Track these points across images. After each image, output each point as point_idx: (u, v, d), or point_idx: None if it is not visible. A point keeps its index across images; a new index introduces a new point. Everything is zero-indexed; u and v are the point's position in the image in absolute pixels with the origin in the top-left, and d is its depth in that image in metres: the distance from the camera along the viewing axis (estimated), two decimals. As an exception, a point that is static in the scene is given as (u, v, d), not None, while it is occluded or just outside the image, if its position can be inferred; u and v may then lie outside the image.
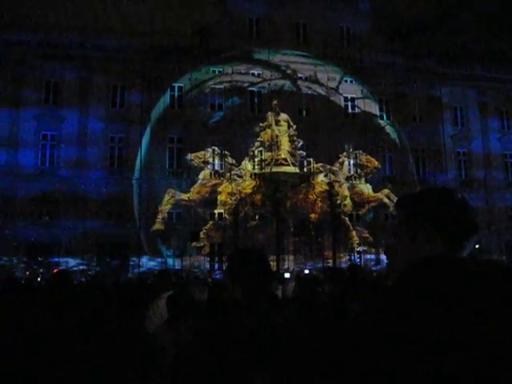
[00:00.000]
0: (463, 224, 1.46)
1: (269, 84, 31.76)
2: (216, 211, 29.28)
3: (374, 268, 26.26)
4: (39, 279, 19.76)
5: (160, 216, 28.61)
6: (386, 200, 30.54)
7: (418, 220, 1.48)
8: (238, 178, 29.59)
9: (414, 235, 1.48)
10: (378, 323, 1.31)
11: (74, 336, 3.60)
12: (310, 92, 32.41)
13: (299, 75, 32.43)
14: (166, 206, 28.66)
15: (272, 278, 2.97)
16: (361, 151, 31.48)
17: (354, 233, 30.05)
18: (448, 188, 1.57)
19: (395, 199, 30.38)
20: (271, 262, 21.39)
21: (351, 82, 33.10)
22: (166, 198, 28.74)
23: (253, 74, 31.93)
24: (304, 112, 32.34)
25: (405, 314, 1.27)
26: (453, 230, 1.45)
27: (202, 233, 28.37)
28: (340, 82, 32.88)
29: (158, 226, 28.48)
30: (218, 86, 31.39)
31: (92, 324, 4.26)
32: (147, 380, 3.66)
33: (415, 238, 1.48)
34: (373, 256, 30.24)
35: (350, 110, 33.34)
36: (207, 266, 28.16)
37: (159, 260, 28.21)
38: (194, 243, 27.84)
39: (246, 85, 31.69)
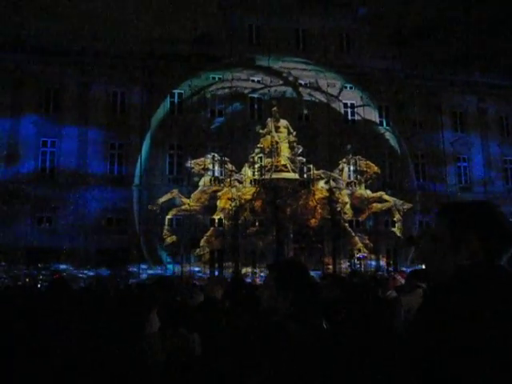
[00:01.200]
0: (504, 236, 1.61)
1: (268, 90, 31.82)
2: (216, 217, 29.28)
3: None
4: (39, 286, 19.73)
5: (166, 227, 28.56)
6: (385, 196, 30.62)
7: (464, 229, 1.60)
8: (238, 185, 29.59)
9: (458, 243, 1.60)
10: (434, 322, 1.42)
11: (73, 341, 3.60)
12: (309, 98, 32.47)
13: (299, 82, 32.51)
14: (170, 212, 28.58)
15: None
16: (360, 157, 31.49)
17: (354, 239, 30.02)
18: (490, 202, 1.73)
19: (395, 202, 30.50)
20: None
21: (351, 88, 33.18)
22: (168, 196, 28.64)
23: (253, 81, 31.99)
24: (304, 118, 32.39)
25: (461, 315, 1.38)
26: (495, 241, 1.59)
27: (202, 240, 28.35)
28: (341, 90, 32.93)
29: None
30: (218, 93, 31.44)
31: (91, 330, 4.26)
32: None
33: (459, 245, 1.59)
34: (373, 262, 30.22)
35: (349, 117, 33.40)
36: (207, 272, 28.09)
37: (159, 267, 28.17)
38: (196, 251, 27.88)
39: (246, 91, 31.73)
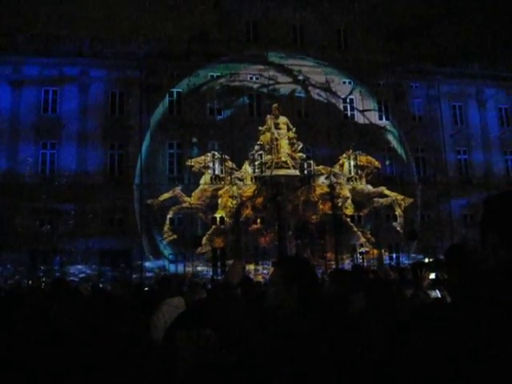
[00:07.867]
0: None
1: (267, 88, 31.74)
2: (217, 215, 29.25)
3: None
4: (42, 287, 19.72)
5: (167, 226, 28.56)
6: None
7: (485, 224, 1.47)
8: (238, 182, 29.56)
9: (485, 239, 1.47)
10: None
11: (76, 343, 3.58)
12: (308, 95, 32.36)
13: (299, 78, 32.40)
14: (171, 211, 28.55)
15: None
16: (360, 152, 31.41)
17: (355, 234, 30.00)
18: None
19: (396, 197, 30.51)
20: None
21: (349, 83, 33.08)
22: (170, 193, 28.60)
23: (251, 78, 31.88)
24: (303, 115, 32.29)
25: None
26: None
27: (204, 238, 28.33)
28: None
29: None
30: (216, 91, 31.33)
31: (95, 331, 4.24)
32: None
33: (485, 241, 1.46)
34: (375, 257, 30.22)
35: (348, 112, 33.30)
36: (209, 270, 28.09)
37: (161, 266, 28.18)
38: (198, 249, 27.82)
39: (245, 88, 31.55)
